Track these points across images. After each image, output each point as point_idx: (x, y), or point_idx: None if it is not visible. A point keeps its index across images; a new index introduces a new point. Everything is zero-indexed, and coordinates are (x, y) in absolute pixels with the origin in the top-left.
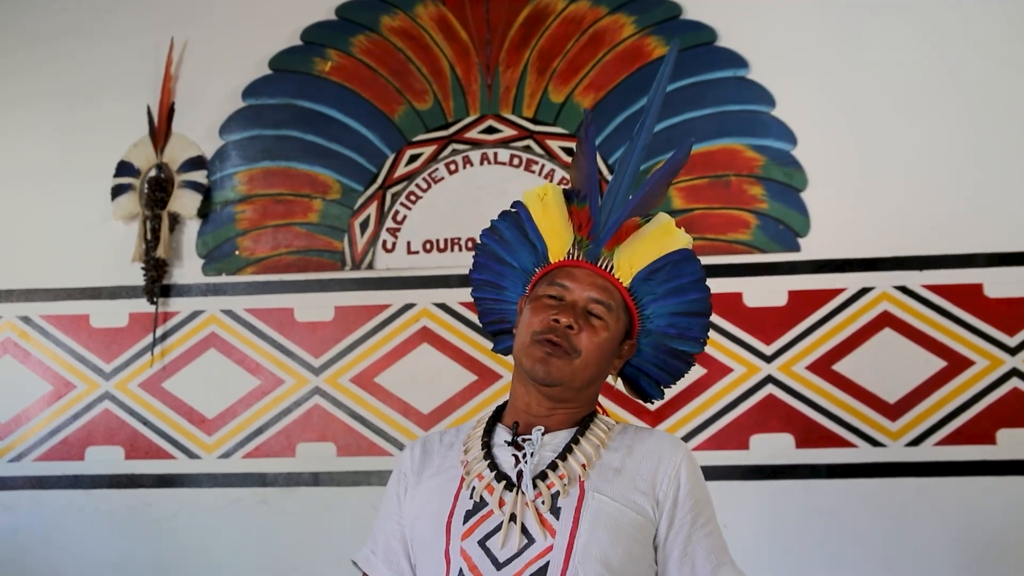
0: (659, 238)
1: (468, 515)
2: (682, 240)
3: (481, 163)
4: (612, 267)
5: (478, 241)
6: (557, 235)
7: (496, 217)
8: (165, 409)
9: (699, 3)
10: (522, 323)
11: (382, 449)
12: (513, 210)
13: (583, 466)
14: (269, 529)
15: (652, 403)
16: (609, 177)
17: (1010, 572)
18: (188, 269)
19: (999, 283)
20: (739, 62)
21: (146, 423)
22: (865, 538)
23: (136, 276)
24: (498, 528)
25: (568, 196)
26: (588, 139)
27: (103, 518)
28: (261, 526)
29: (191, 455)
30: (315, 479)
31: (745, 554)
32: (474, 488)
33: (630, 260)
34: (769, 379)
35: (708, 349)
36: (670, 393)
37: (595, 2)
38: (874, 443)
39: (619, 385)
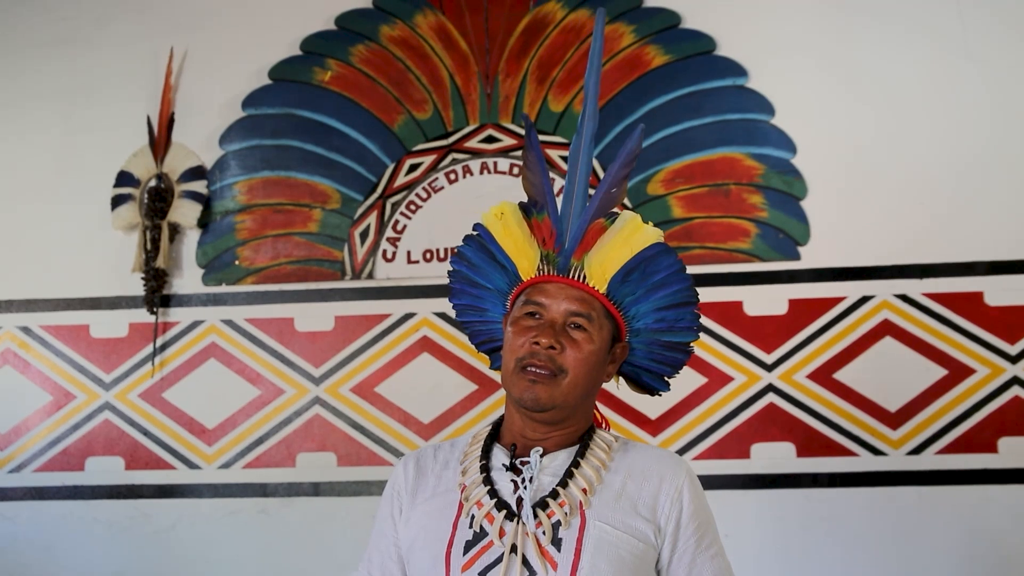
0: (628, 237)
1: (468, 546)
2: (652, 235)
3: (481, 172)
4: (585, 276)
5: (450, 268)
6: (522, 252)
7: (461, 242)
8: (165, 419)
9: (698, 12)
10: (505, 348)
11: (382, 459)
12: (476, 233)
13: (584, 491)
14: (269, 539)
15: (659, 395)
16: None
17: None
18: (188, 279)
19: (999, 291)
20: (738, 71)
21: (146, 433)
22: (866, 547)
23: (136, 286)
24: (498, 560)
25: (526, 209)
26: (533, 146)
27: (103, 528)
28: (261, 536)
29: (191, 465)
30: (315, 489)
31: (746, 563)
32: (473, 517)
33: (602, 265)
34: (770, 388)
35: (709, 358)
36: (673, 389)
37: (594, 11)
38: (875, 452)
39: (621, 385)
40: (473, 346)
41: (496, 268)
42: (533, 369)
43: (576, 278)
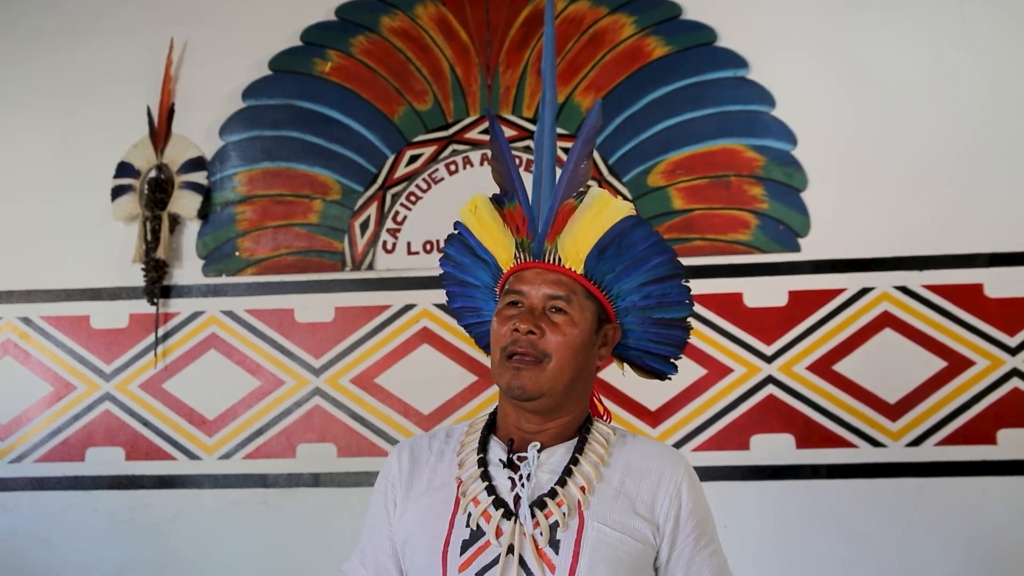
0: (597, 214)
1: (465, 545)
2: (623, 209)
3: (481, 163)
4: (559, 258)
5: (442, 271)
6: (498, 243)
7: (445, 243)
8: (165, 410)
9: (699, 3)
10: (491, 340)
11: (383, 450)
12: (456, 231)
13: (582, 489)
14: (270, 530)
15: (668, 378)
16: (610, 179)
17: (1010, 572)
18: (188, 270)
19: (999, 283)
20: (739, 62)
21: (146, 424)
22: (865, 538)
23: (136, 277)
24: (496, 560)
25: (499, 200)
26: (497, 136)
27: (103, 519)
28: (262, 527)
29: (191, 456)
30: (315, 480)
31: (746, 554)
32: (470, 515)
33: (575, 245)
34: (769, 379)
35: (709, 350)
36: (673, 380)
37: (595, 2)
38: (875, 443)
39: (624, 375)
40: (480, 348)
41: (479, 263)
42: (517, 356)
43: (551, 261)
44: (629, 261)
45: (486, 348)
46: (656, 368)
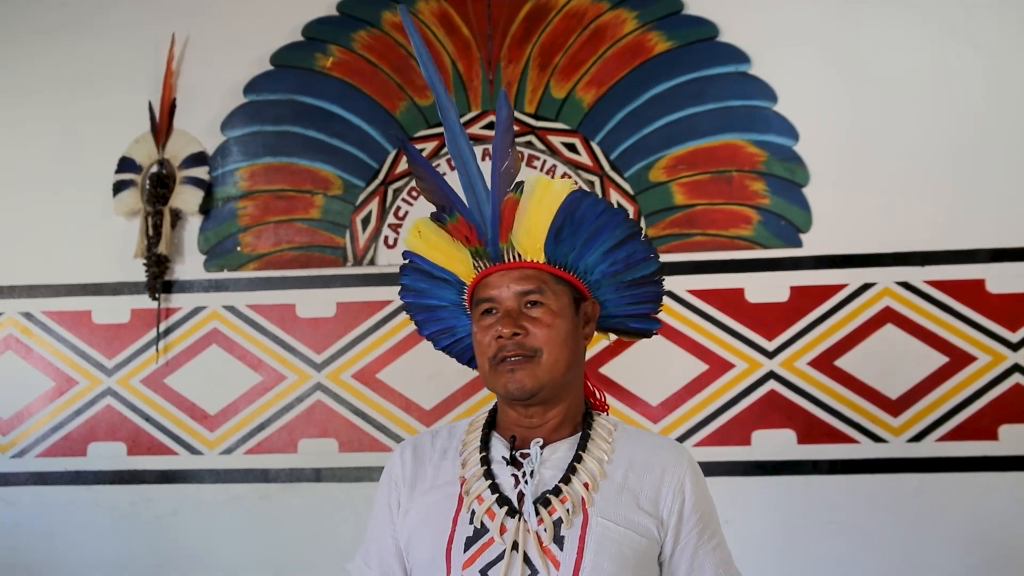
0: (541, 199)
1: (469, 542)
2: (565, 187)
3: (483, 159)
4: (518, 254)
5: (403, 302)
6: (453, 259)
7: (400, 276)
8: (167, 405)
9: None
10: (476, 352)
11: (384, 445)
12: (407, 260)
13: (585, 485)
14: (271, 525)
15: (655, 333)
16: (620, 179)
17: (1012, 568)
18: (190, 265)
19: (1001, 278)
20: (741, 57)
21: (148, 419)
22: (866, 534)
23: (138, 272)
24: (500, 557)
25: (439, 218)
26: (415, 159)
27: (105, 514)
28: (263, 522)
29: (193, 451)
30: (317, 475)
31: (748, 549)
32: (474, 512)
33: (529, 236)
34: (771, 375)
35: (710, 345)
36: (674, 375)
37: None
38: (876, 439)
39: (621, 368)
40: (464, 364)
41: (439, 283)
42: (508, 360)
43: (512, 259)
44: (586, 235)
45: (469, 363)
46: (640, 328)
